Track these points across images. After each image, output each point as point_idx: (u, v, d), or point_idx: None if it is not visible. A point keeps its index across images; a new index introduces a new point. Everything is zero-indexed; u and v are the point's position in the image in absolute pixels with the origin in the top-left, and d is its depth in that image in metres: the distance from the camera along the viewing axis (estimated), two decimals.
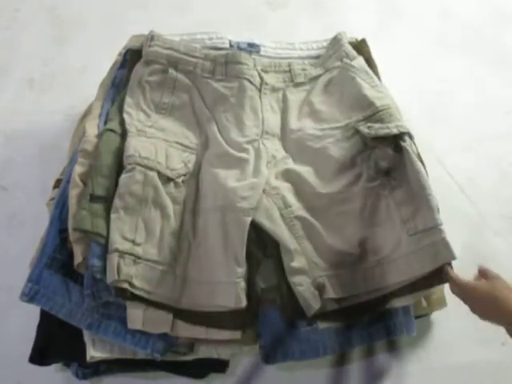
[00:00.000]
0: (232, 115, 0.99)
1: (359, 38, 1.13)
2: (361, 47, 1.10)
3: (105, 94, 1.05)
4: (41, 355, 0.90)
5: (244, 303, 0.83)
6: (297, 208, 0.89)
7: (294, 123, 1.00)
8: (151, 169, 0.90)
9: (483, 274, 0.77)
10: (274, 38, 1.15)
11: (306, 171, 0.93)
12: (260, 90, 1.01)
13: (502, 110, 1.28)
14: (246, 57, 1.03)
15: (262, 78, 1.02)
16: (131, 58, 1.06)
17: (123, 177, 0.89)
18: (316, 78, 1.05)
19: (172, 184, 0.91)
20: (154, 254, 0.86)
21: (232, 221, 0.86)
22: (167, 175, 0.91)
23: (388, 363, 0.97)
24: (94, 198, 0.88)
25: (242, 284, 0.84)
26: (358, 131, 0.93)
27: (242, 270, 0.84)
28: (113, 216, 0.86)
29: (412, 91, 1.26)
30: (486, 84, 1.32)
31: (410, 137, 0.91)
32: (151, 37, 1.04)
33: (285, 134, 0.99)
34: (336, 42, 1.07)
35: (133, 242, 0.85)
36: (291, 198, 0.90)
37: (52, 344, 0.90)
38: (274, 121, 1.00)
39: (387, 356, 0.97)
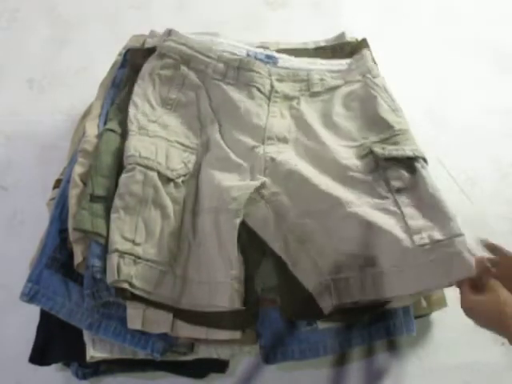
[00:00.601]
0: (236, 120, 0.98)
1: (359, 38, 1.13)
2: (361, 47, 1.10)
3: (105, 94, 1.05)
4: (41, 355, 0.90)
5: (236, 305, 0.83)
6: (296, 214, 0.88)
7: (308, 131, 0.98)
8: (151, 169, 0.90)
9: (481, 284, 0.74)
10: (273, 38, 1.15)
11: (311, 172, 0.91)
12: (269, 99, 1.00)
13: (502, 109, 1.28)
14: (260, 65, 1.02)
15: (272, 87, 1.00)
16: (131, 57, 1.06)
17: (123, 177, 0.89)
18: (334, 88, 1.03)
19: (172, 184, 0.91)
20: (154, 254, 0.85)
21: (224, 222, 0.86)
22: (167, 175, 0.91)
23: (388, 363, 0.97)
24: (93, 198, 0.88)
25: (235, 285, 0.84)
26: (371, 151, 0.91)
27: (235, 272, 0.84)
28: (113, 216, 0.86)
29: (412, 91, 1.26)
30: (486, 84, 1.32)
31: (425, 161, 0.90)
32: (168, 31, 1.04)
33: (297, 139, 0.97)
34: (360, 57, 1.05)
35: (133, 241, 0.85)
36: (291, 204, 0.89)
37: (52, 344, 0.90)
38: (280, 126, 0.98)
39: (387, 356, 0.97)
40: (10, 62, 1.35)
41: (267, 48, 1.11)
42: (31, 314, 0.93)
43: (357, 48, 1.10)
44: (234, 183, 0.89)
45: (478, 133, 1.24)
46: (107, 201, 0.88)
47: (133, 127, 0.95)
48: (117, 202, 0.87)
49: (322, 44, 1.15)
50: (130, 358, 0.89)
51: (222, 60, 1.02)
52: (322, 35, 1.16)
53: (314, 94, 1.02)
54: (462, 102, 1.29)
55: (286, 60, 1.05)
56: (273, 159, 0.93)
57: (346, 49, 1.12)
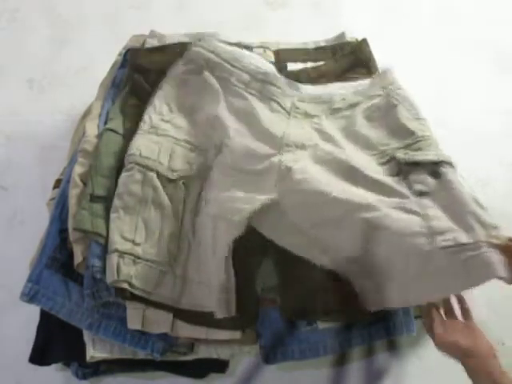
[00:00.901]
0: (254, 128, 0.95)
1: (359, 38, 1.13)
2: (361, 47, 1.10)
3: (105, 94, 1.05)
4: (41, 355, 0.90)
5: (223, 312, 0.83)
6: (307, 227, 0.86)
7: (328, 139, 0.95)
8: (150, 169, 0.90)
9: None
10: (273, 38, 1.15)
11: (326, 179, 0.87)
12: (289, 114, 0.98)
13: (502, 109, 1.28)
14: (284, 83, 1.00)
15: (293, 104, 0.99)
16: (131, 57, 1.06)
17: (122, 176, 0.89)
18: (355, 104, 1.00)
19: (172, 185, 0.91)
20: (154, 254, 0.85)
21: (223, 231, 0.85)
22: (167, 176, 0.91)
23: (388, 363, 0.97)
24: (93, 198, 0.88)
25: (223, 294, 0.83)
26: (393, 157, 0.89)
27: (222, 280, 0.83)
28: (112, 216, 0.86)
29: (412, 91, 1.26)
30: (486, 84, 1.32)
31: (452, 166, 0.86)
32: (199, 38, 1.03)
33: (316, 146, 0.93)
34: (383, 74, 1.03)
35: (132, 241, 0.85)
36: (302, 216, 0.86)
37: (52, 344, 0.91)
38: (299, 135, 0.95)
39: (387, 356, 0.97)
40: (10, 61, 1.35)
41: (267, 48, 1.11)
42: (31, 314, 0.93)
43: (357, 49, 1.10)
44: (243, 195, 0.87)
45: (478, 133, 1.24)
46: (107, 201, 0.88)
47: (144, 126, 0.94)
48: (116, 201, 0.87)
49: (322, 44, 1.15)
50: (130, 358, 0.89)
51: (247, 71, 1.01)
52: (322, 35, 1.16)
53: (335, 111, 1.00)
54: (462, 102, 1.29)
55: (307, 89, 1.02)
56: (288, 168, 0.88)
57: (346, 49, 1.12)
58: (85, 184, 0.91)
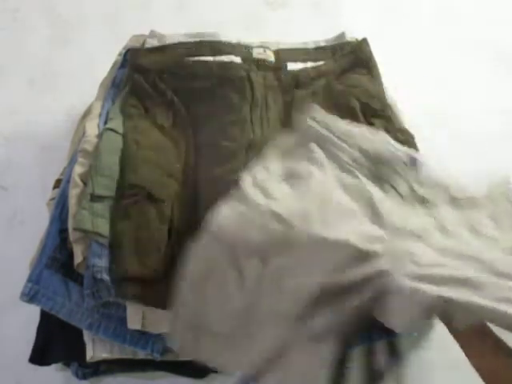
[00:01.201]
0: (364, 209, 0.87)
1: (359, 38, 1.13)
2: (361, 47, 1.10)
3: (105, 94, 1.05)
4: (41, 355, 0.90)
5: None
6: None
7: (446, 231, 0.88)
8: (220, 240, 0.79)
9: None
10: (273, 38, 1.15)
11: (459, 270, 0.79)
12: (404, 198, 0.91)
13: (503, 109, 1.28)
14: (400, 164, 0.93)
15: (410, 187, 0.92)
16: (131, 57, 1.06)
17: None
18: (475, 200, 0.93)
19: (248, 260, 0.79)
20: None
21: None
22: None
23: (388, 363, 0.97)
24: (94, 198, 0.88)
25: None
26: None
27: None
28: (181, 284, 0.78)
29: (412, 91, 1.26)
30: (487, 83, 1.32)
31: None
32: (315, 109, 0.96)
33: (431, 236, 0.86)
34: (504, 185, 0.95)
35: None
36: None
37: (52, 344, 0.90)
38: (415, 223, 0.87)
39: (387, 356, 0.97)
40: (10, 61, 1.35)
41: (267, 48, 1.11)
42: (31, 314, 0.93)
43: (357, 48, 1.10)
44: (356, 280, 0.78)
45: (478, 133, 1.24)
46: (108, 200, 0.88)
47: (235, 193, 0.85)
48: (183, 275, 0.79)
49: (322, 44, 1.15)
50: (130, 358, 0.89)
51: (360, 149, 0.92)
52: (322, 35, 1.16)
53: (454, 201, 0.92)
54: (462, 102, 1.29)
55: (429, 169, 0.95)
56: (405, 251, 0.81)
57: (346, 49, 1.12)
58: (85, 184, 0.91)
